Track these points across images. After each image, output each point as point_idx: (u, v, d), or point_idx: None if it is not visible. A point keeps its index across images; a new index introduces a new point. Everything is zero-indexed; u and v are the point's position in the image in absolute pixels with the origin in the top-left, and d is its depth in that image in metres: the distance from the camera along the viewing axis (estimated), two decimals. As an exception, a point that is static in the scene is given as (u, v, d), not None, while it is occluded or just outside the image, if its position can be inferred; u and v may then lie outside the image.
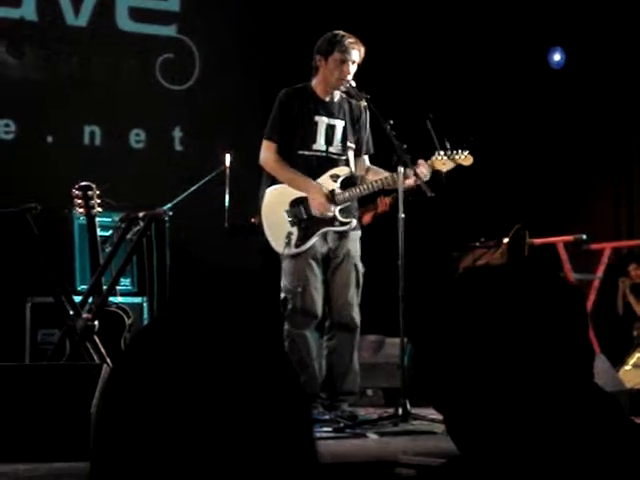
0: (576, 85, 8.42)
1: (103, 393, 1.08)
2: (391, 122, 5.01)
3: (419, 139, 5.02)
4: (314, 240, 5.26)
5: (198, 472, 1.00)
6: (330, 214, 5.27)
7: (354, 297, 5.32)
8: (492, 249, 6.98)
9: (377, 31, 7.22)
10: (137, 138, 7.73)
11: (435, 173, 5.13)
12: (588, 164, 8.54)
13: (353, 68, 5.20)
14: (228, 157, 6.12)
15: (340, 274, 5.31)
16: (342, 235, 5.33)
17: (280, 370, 1.07)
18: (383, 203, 6.21)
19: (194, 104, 7.82)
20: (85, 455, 1.66)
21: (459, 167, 5.19)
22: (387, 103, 5.31)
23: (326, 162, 5.33)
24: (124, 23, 7.74)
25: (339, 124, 5.37)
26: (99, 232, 5.36)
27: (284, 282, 5.28)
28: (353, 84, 5.18)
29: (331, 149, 5.34)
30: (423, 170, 5.07)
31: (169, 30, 7.90)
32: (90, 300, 5.14)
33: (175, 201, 5.83)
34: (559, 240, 6.94)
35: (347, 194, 5.28)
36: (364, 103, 5.17)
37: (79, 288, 6.07)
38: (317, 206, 5.25)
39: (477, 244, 7.12)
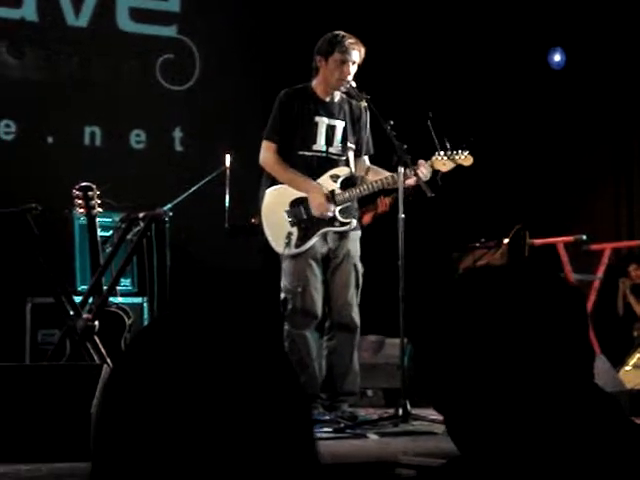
0: (576, 86, 8.42)
1: (103, 393, 1.08)
2: (391, 122, 5.01)
3: (419, 139, 5.02)
4: (314, 240, 5.26)
5: (199, 472, 1.00)
6: (330, 214, 5.27)
7: (354, 297, 5.33)
8: (492, 250, 6.98)
9: (377, 31, 7.22)
10: (137, 139, 7.73)
11: (435, 173, 5.13)
12: (588, 164, 8.55)
13: (353, 69, 5.20)
14: (228, 157, 6.13)
15: (340, 274, 5.31)
16: (342, 235, 5.33)
17: (280, 371, 1.07)
18: (383, 203, 6.21)
19: (194, 105, 7.82)
20: (85, 455, 1.66)
21: (459, 167, 5.20)
22: (387, 103, 5.31)
23: (326, 162, 5.33)
24: (124, 24, 7.74)
25: (339, 124, 5.37)
26: (99, 232, 5.36)
27: (284, 282, 5.28)
28: (353, 85, 5.18)
29: (331, 149, 5.35)
30: (423, 170, 5.07)
31: (169, 31, 7.90)
32: (90, 300, 5.14)
33: (175, 201, 5.83)
34: (559, 240, 6.94)
35: (347, 194, 5.28)
36: (364, 103, 5.17)
37: (79, 288, 6.07)
38: (317, 206, 5.25)
39: (477, 245, 7.12)
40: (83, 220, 5.54)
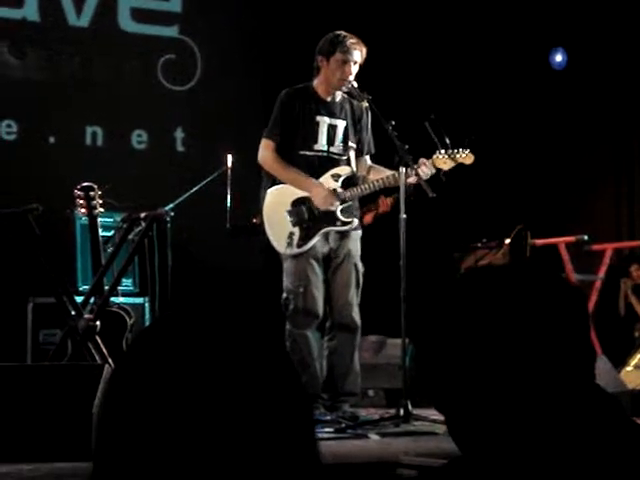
0: (578, 86, 8.42)
1: (105, 393, 1.08)
2: (393, 123, 5.01)
3: (421, 139, 5.02)
4: (316, 240, 5.26)
5: (200, 473, 1.00)
6: (334, 208, 5.26)
7: (354, 297, 5.32)
8: (494, 250, 6.98)
9: (379, 31, 7.22)
10: (139, 139, 7.74)
11: (437, 173, 5.13)
12: (590, 165, 8.55)
13: (355, 69, 5.20)
14: (230, 158, 6.13)
15: (341, 274, 5.32)
16: (343, 235, 5.33)
17: (282, 370, 1.07)
18: (384, 203, 6.21)
19: (196, 105, 7.83)
20: (87, 455, 1.66)
21: (461, 167, 5.19)
22: (389, 103, 5.31)
23: (327, 162, 5.33)
24: (126, 24, 7.74)
25: (340, 124, 5.37)
26: (101, 232, 5.36)
27: (286, 282, 5.29)
28: (355, 85, 5.18)
29: (332, 149, 5.35)
30: (424, 169, 5.06)
31: (171, 31, 7.90)
32: (92, 300, 5.14)
33: (177, 202, 5.84)
34: (561, 241, 6.94)
35: (348, 193, 5.28)
36: (366, 104, 5.18)
37: (81, 288, 6.07)
38: (321, 200, 5.24)
39: (479, 245, 7.12)
40: (84, 220, 5.54)
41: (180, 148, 7.87)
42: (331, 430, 4.80)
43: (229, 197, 6.13)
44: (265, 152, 5.32)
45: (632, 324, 7.86)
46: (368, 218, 6.28)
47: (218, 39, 7.91)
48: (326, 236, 5.31)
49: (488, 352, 1.28)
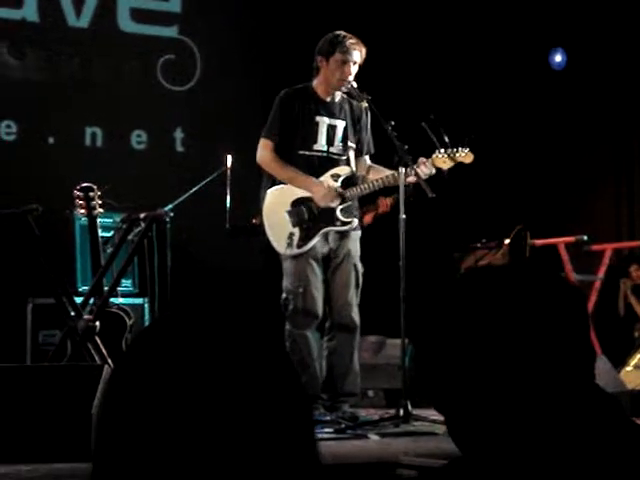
0: (577, 86, 8.42)
1: (104, 394, 1.08)
2: (392, 123, 5.01)
3: (420, 139, 5.02)
4: (316, 240, 5.26)
5: (200, 473, 1.00)
6: (334, 205, 5.26)
7: (354, 297, 5.33)
8: (493, 250, 6.98)
9: (378, 32, 7.22)
10: (138, 139, 7.73)
11: (437, 172, 5.13)
12: (589, 165, 8.55)
13: (354, 69, 5.20)
14: (229, 158, 6.13)
15: (340, 274, 5.32)
16: (343, 235, 5.33)
17: (282, 371, 1.07)
18: (384, 204, 6.21)
19: (195, 105, 7.83)
20: (86, 456, 1.66)
21: (460, 168, 5.19)
22: (388, 104, 5.31)
23: (327, 162, 5.33)
24: (125, 24, 7.74)
25: (340, 124, 5.37)
26: (100, 233, 5.36)
27: (285, 282, 5.29)
28: (354, 85, 5.19)
29: (332, 149, 5.35)
30: (424, 168, 5.06)
31: (170, 31, 7.90)
32: (91, 301, 5.14)
33: (176, 202, 5.84)
34: (560, 241, 6.94)
35: (348, 193, 5.28)
36: (365, 104, 5.18)
37: (80, 289, 6.07)
38: (322, 197, 5.24)
39: (478, 245, 7.12)
40: (84, 221, 5.54)
41: (180, 148, 7.87)
42: (331, 430, 4.80)
43: (228, 197, 6.12)
44: (264, 152, 5.32)
45: (632, 324, 7.86)
46: (368, 218, 6.28)
47: (218, 39, 7.91)
48: (326, 236, 5.31)
49: (488, 352, 1.28)
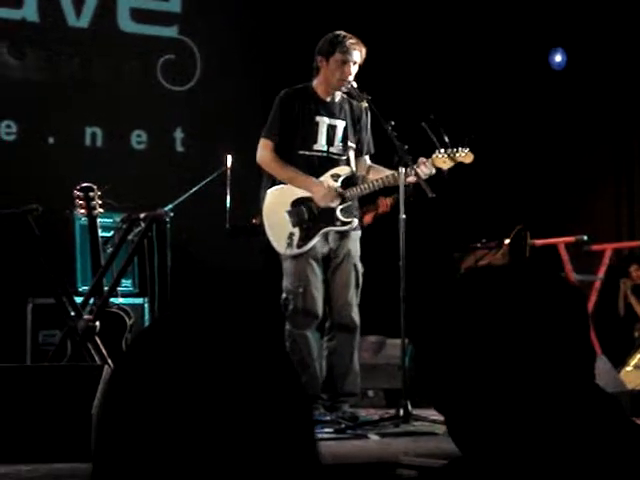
0: (577, 86, 8.42)
1: (104, 394, 1.08)
2: (392, 123, 5.01)
3: (420, 140, 5.02)
4: (316, 240, 5.26)
5: (200, 473, 1.00)
6: (334, 205, 5.26)
7: (354, 297, 5.33)
8: (493, 250, 6.98)
9: (378, 32, 7.22)
10: (138, 139, 7.73)
11: (437, 172, 5.13)
12: (589, 165, 8.55)
13: (354, 69, 5.20)
14: (229, 158, 6.13)
15: (340, 274, 5.32)
16: (343, 235, 5.33)
17: (282, 371, 1.07)
18: (384, 204, 6.21)
19: (195, 105, 7.83)
20: (86, 456, 1.66)
21: (460, 168, 5.19)
22: (388, 104, 5.31)
23: (327, 162, 5.33)
24: (125, 24, 7.74)
25: (340, 124, 5.37)
26: (100, 233, 5.36)
27: (285, 282, 5.29)
28: (354, 85, 5.18)
29: (332, 149, 5.35)
30: (423, 168, 5.06)
31: (170, 31, 7.90)
32: (91, 301, 5.14)
33: (176, 202, 5.83)
34: (560, 241, 6.94)
35: (348, 193, 5.28)
36: (365, 104, 5.18)
37: (80, 289, 6.07)
38: (322, 197, 5.24)
39: (478, 245, 7.12)
40: (84, 221, 5.54)
41: (179, 148, 7.87)
42: (331, 430, 4.80)
43: (228, 197, 6.12)
44: (264, 152, 5.32)
45: (632, 324, 7.86)
46: (368, 218, 6.28)
47: (218, 39, 7.91)
48: (326, 236, 5.31)
49: (488, 352, 1.28)
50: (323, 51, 5.26)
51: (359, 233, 5.42)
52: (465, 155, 5.15)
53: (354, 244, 5.36)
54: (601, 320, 6.79)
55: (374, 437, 4.67)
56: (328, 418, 5.08)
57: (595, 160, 8.55)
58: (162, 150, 7.79)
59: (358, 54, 5.21)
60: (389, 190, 5.53)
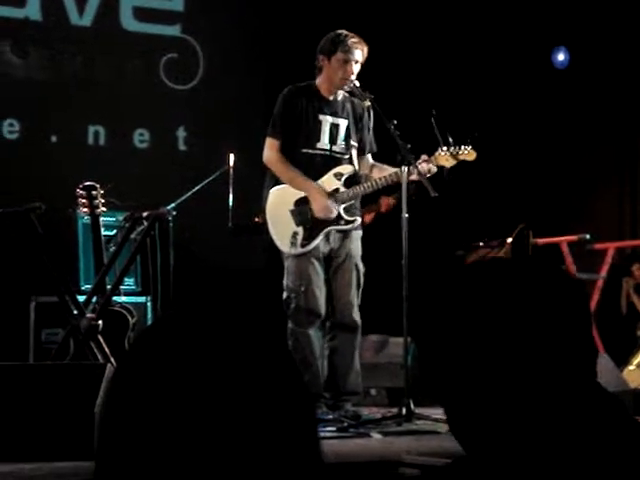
0: (580, 85, 8.42)
1: (107, 393, 1.08)
2: (395, 122, 5.01)
3: (423, 138, 5.01)
4: (320, 239, 5.26)
5: (202, 472, 1.00)
6: (333, 216, 5.26)
7: (355, 297, 5.32)
8: (496, 249, 6.97)
9: (381, 31, 7.22)
10: (141, 138, 7.74)
11: (440, 170, 5.12)
12: (592, 164, 8.54)
13: (356, 68, 5.20)
14: (232, 157, 6.12)
15: (342, 274, 5.32)
16: (345, 235, 5.33)
17: (284, 369, 1.07)
18: (385, 203, 6.21)
19: (198, 104, 7.82)
20: (89, 455, 1.66)
21: (463, 166, 5.18)
22: (391, 103, 5.31)
23: (330, 161, 5.33)
24: (128, 23, 7.74)
25: (343, 123, 5.37)
26: (103, 232, 5.37)
27: (287, 281, 5.29)
28: (357, 84, 5.18)
29: (335, 148, 5.34)
30: (425, 167, 5.06)
31: (173, 30, 7.90)
32: (94, 299, 5.14)
33: (179, 201, 5.83)
34: (563, 240, 6.93)
35: (351, 192, 5.28)
36: (368, 103, 5.17)
37: (83, 287, 6.08)
38: (321, 209, 5.24)
39: (481, 244, 7.12)
40: (87, 219, 5.54)
41: (182, 147, 7.87)
42: (333, 429, 4.80)
43: (231, 196, 6.12)
44: (270, 152, 5.31)
45: (634, 323, 7.86)
46: (368, 218, 6.27)
47: (220, 38, 7.91)
48: (327, 236, 5.31)
49: (490, 349, 1.28)
50: (325, 50, 5.25)
51: (360, 233, 5.41)
52: (468, 153, 5.14)
53: (355, 244, 5.36)
54: (604, 319, 6.79)
55: (377, 436, 4.67)
56: (330, 417, 5.08)
57: (598, 159, 8.54)
58: (165, 149, 7.79)
59: (360, 53, 5.21)
60: (391, 189, 5.53)
